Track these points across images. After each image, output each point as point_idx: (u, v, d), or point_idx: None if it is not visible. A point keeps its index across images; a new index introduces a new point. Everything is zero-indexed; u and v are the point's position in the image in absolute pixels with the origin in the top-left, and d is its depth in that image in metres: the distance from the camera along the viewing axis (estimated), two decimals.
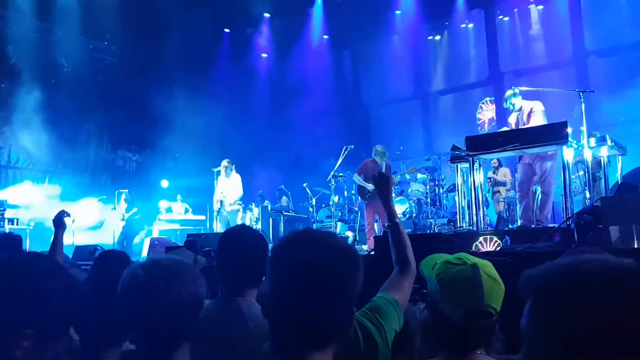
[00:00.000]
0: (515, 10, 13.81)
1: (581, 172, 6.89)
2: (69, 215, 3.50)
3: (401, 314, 1.84)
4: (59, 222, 3.43)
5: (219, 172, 10.10)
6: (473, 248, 5.25)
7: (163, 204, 12.86)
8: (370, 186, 8.55)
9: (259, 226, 11.30)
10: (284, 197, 13.07)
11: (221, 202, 9.89)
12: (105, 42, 14.10)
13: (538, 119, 6.57)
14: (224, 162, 10.00)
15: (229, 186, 9.98)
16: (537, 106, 6.69)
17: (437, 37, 15.31)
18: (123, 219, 11.80)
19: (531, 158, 6.65)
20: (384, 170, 8.78)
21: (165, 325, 1.44)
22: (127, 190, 11.77)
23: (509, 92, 6.86)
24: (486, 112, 14.11)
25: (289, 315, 1.22)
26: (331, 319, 1.22)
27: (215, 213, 10.17)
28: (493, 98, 13.82)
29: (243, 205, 10.73)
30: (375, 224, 8.84)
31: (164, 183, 14.44)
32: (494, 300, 1.58)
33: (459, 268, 1.63)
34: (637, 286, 0.95)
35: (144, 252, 8.51)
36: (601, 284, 0.96)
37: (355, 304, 1.33)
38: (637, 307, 0.93)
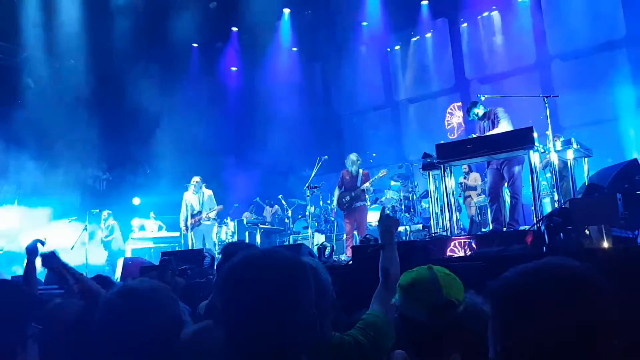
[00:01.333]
0: (479, 17, 14.06)
1: (548, 175, 7.07)
2: (43, 243, 3.38)
3: (392, 326, 1.95)
4: (33, 250, 3.30)
5: (186, 188, 10.10)
6: (447, 253, 5.32)
7: (136, 221, 12.64)
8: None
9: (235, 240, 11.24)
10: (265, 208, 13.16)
11: (199, 218, 9.87)
12: (72, 60, 13.91)
13: (504, 124, 6.74)
14: (195, 179, 10.03)
15: (204, 201, 9.97)
16: (499, 112, 6.87)
17: (404, 47, 15.50)
18: (102, 241, 11.67)
19: (499, 163, 6.79)
20: (360, 178, 8.87)
21: (144, 353, 1.43)
22: (97, 210, 11.54)
23: (469, 105, 7.14)
24: (455, 117, 14.34)
25: (249, 342, 1.25)
26: (291, 336, 1.26)
27: (184, 230, 10.11)
28: (460, 103, 14.05)
29: (218, 219, 10.70)
30: (355, 232, 8.90)
31: (136, 200, 14.21)
32: (453, 291, 1.71)
33: (416, 272, 1.80)
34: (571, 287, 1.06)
35: (117, 273, 8.33)
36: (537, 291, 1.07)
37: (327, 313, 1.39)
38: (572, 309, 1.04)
